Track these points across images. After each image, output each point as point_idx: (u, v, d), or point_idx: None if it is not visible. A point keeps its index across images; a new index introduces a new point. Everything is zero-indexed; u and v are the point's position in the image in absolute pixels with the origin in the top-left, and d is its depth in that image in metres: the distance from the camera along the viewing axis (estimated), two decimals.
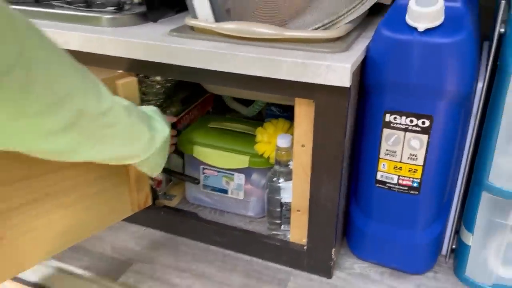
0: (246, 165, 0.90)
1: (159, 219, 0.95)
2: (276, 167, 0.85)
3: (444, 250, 0.86)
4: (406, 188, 0.75)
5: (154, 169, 0.75)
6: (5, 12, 0.38)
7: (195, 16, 0.78)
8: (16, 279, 0.82)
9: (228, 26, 0.73)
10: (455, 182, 0.80)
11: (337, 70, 0.63)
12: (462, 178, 0.78)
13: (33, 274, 0.84)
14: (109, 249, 0.90)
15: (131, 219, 0.93)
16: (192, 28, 0.79)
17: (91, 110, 0.52)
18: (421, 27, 0.63)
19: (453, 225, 0.83)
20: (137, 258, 0.87)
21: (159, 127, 0.71)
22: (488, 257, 0.78)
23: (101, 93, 0.54)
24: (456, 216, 0.81)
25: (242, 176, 0.93)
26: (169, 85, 0.99)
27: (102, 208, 0.85)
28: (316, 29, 0.72)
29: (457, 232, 0.83)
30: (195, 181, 0.95)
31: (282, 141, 0.82)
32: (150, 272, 0.83)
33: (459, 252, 0.81)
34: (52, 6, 0.89)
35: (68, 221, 0.79)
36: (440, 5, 0.63)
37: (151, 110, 0.74)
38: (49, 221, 0.75)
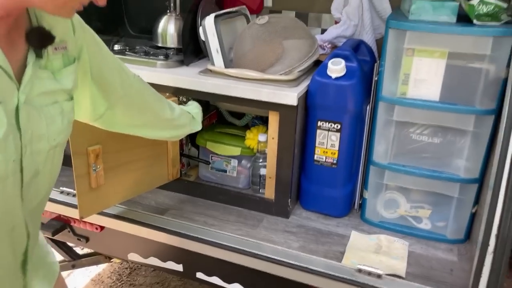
0: (238, 153, 1.47)
1: (183, 187, 1.50)
2: (258, 154, 1.43)
3: (356, 205, 1.44)
4: (329, 163, 1.34)
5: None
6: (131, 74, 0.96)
7: (213, 64, 1.37)
8: (101, 213, 1.35)
9: (231, 70, 1.32)
10: (359, 160, 1.38)
11: (290, 96, 1.22)
12: (363, 158, 1.37)
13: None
14: (153, 203, 1.44)
15: (165, 187, 1.48)
16: (210, 70, 1.37)
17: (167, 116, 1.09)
18: (333, 76, 1.23)
19: (359, 187, 1.41)
20: (170, 207, 1.42)
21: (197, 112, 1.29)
22: (377, 205, 1.35)
23: (173, 106, 1.12)
24: (360, 182, 1.39)
25: (236, 161, 1.50)
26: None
27: (152, 175, 1.40)
28: (281, 74, 1.31)
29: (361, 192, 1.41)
30: (207, 162, 1.51)
31: (262, 137, 1.39)
32: (179, 214, 1.38)
33: (362, 203, 1.39)
34: (123, 53, 1.47)
35: (133, 180, 1.35)
36: (343, 65, 1.23)
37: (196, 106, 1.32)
38: (124, 179, 1.30)
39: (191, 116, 1.25)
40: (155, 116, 1.09)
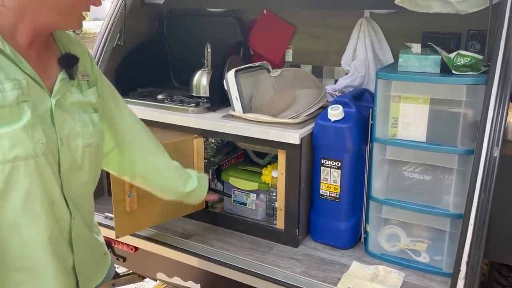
0: (256, 188, 1.66)
1: (207, 217, 1.71)
2: (272, 189, 1.61)
3: (361, 238, 1.55)
4: (333, 197, 1.48)
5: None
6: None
7: (233, 110, 1.61)
8: (135, 235, 1.59)
9: (248, 115, 1.55)
10: (362, 195, 1.51)
11: (293, 136, 1.41)
12: (365, 194, 1.50)
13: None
14: (181, 229, 1.66)
15: (192, 216, 1.69)
16: (231, 115, 1.61)
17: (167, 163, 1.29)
18: (332, 119, 1.41)
19: (363, 221, 1.52)
20: (194, 234, 1.63)
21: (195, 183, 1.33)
22: (378, 238, 1.46)
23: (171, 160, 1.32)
24: (364, 216, 1.51)
25: (254, 195, 1.69)
26: (219, 144, 1.81)
27: (179, 205, 1.61)
28: (290, 118, 1.52)
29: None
30: (228, 195, 1.71)
31: (274, 173, 1.58)
32: (201, 239, 1.58)
33: (365, 237, 1.50)
34: (163, 102, 1.76)
35: (163, 208, 1.57)
36: (341, 110, 1.41)
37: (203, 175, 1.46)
38: (154, 206, 1.53)
39: (188, 174, 1.33)
40: (156, 162, 1.24)
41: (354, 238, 1.53)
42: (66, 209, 0.91)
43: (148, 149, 1.22)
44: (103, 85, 1.08)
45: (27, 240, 0.86)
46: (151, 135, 1.24)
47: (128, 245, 1.66)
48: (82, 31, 15.89)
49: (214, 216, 1.71)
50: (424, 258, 1.40)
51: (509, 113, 1.82)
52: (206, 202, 1.73)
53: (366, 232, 1.50)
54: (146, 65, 2.04)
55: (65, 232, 0.92)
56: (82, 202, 0.97)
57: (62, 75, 0.92)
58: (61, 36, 0.97)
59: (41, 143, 0.83)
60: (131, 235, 1.57)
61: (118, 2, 1.89)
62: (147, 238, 1.60)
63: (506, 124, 1.11)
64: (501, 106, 1.10)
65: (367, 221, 1.48)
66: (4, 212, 0.82)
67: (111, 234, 1.61)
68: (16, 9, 0.84)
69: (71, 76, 0.94)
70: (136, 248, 1.66)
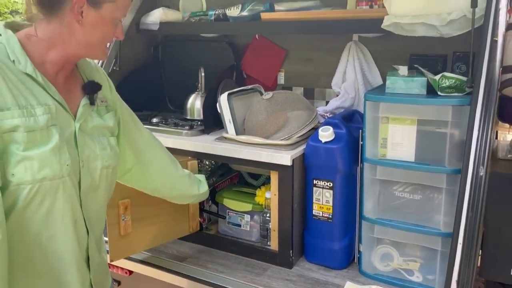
0: (250, 209, 1.67)
1: (202, 239, 1.71)
2: (265, 210, 1.62)
3: (355, 258, 1.55)
4: (326, 218, 1.50)
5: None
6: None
7: (227, 132, 1.63)
8: (130, 258, 1.59)
9: (241, 137, 1.58)
10: (355, 215, 1.52)
11: (285, 158, 1.43)
12: (358, 214, 1.51)
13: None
14: (175, 251, 1.66)
15: (187, 238, 1.70)
16: (225, 137, 1.64)
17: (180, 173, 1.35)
18: (323, 140, 1.44)
19: (356, 241, 1.53)
20: (189, 256, 1.63)
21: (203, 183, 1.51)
22: (371, 258, 1.47)
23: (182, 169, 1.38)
24: (357, 236, 1.52)
25: (249, 216, 1.70)
26: (213, 166, 1.82)
27: (173, 227, 1.63)
28: (282, 140, 1.54)
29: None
30: (222, 217, 1.72)
31: (268, 194, 1.59)
32: (195, 262, 1.58)
33: (359, 257, 1.51)
34: (158, 125, 1.79)
35: (157, 231, 1.58)
36: (331, 131, 1.44)
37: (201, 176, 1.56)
38: (149, 229, 1.54)
39: (197, 179, 1.49)
40: (172, 174, 1.36)
41: (347, 258, 1.54)
42: (85, 228, 0.95)
43: (165, 162, 1.33)
44: (123, 109, 1.17)
45: (51, 252, 0.91)
46: (165, 148, 1.35)
47: (122, 268, 1.66)
48: None
49: (208, 238, 1.71)
50: (417, 278, 1.41)
51: (499, 131, 1.86)
52: (201, 224, 1.74)
53: (359, 252, 1.50)
54: (142, 89, 2.08)
55: (83, 250, 0.97)
56: (97, 222, 1.03)
57: (84, 101, 0.99)
58: (83, 64, 1.04)
59: (67, 165, 0.89)
60: (126, 258, 1.57)
61: None
62: (141, 262, 1.60)
63: (491, 144, 1.14)
64: (485, 126, 1.13)
65: (360, 241, 1.49)
66: (30, 226, 0.88)
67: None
68: (47, 39, 0.91)
69: (92, 102, 1.00)
70: (131, 272, 1.66)
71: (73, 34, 0.91)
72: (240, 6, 1.82)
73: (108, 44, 1.01)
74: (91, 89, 1.01)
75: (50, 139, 0.87)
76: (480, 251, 1.36)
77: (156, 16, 1.96)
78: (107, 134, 1.04)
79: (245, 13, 1.79)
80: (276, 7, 1.77)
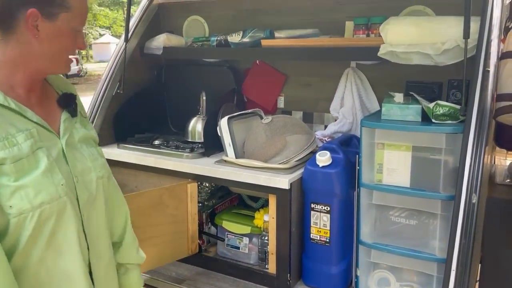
0: (249, 232, 1.69)
1: (201, 261, 1.72)
2: (264, 233, 1.64)
3: (352, 282, 1.56)
4: (323, 241, 1.51)
5: None
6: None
7: (227, 155, 1.66)
8: None
9: (240, 160, 1.61)
10: (352, 240, 1.53)
11: (283, 181, 1.46)
12: (355, 238, 1.53)
13: None
14: (174, 274, 1.67)
15: (186, 260, 1.71)
16: (224, 160, 1.67)
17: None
18: (320, 164, 1.47)
19: (354, 265, 1.54)
20: (187, 278, 1.64)
21: None
22: (368, 283, 1.48)
23: None
24: (354, 260, 1.53)
25: (247, 239, 1.72)
26: (213, 188, 1.85)
27: (173, 249, 1.65)
28: (280, 163, 1.57)
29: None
30: (221, 239, 1.74)
31: (266, 217, 1.61)
32: (193, 284, 1.59)
33: (356, 281, 1.51)
34: (159, 148, 1.82)
35: (156, 253, 1.60)
36: (328, 156, 1.47)
37: None
38: (148, 251, 1.55)
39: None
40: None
41: (345, 282, 1.54)
42: (85, 242, 0.95)
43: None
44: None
45: (58, 272, 0.90)
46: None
47: None
48: (86, 72, 16.32)
49: (207, 260, 1.73)
50: None
51: (496, 157, 1.88)
52: (200, 246, 1.76)
53: (356, 276, 1.51)
54: (144, 111, 2.12)
55: (86, 263, 0.96)
56: (99, 236, 1.00)
57: (64, 115, 0.97)
58: (54, 78, 1.03)
59: (62, 184, 0.88)
60: None
61: (118, 52, 1.99)
62: None
63: (483, 171, 1.16)
64: (478, 153, 1.16)
65: (357, 265, 1.50)
66: (32, 251, 0.87)
67: None
68: (9, 61, 0.89)
69: (73, 114, 0.99)
70: None
71: (33, 51, 0.89)
72: (241, 32, 1.87)
73: (70, 56, 0.99)
74: (66, 101, 0.98)
75: (38, 163, 0.86)
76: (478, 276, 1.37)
77: (160, 41, 2.02)
78: (93, 144, 1.03)
79: (246, 39, 1.85)
80: (276, 34, 1.82)
